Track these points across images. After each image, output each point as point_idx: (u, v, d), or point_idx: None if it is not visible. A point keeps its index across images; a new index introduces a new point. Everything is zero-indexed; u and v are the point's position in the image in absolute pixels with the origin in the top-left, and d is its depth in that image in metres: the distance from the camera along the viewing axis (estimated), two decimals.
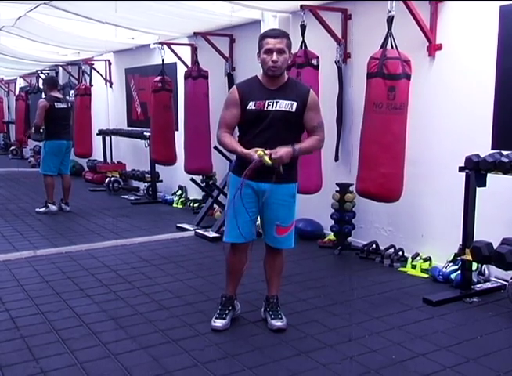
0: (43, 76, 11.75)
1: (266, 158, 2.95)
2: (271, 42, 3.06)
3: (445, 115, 4.34)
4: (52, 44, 8.30)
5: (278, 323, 3.28)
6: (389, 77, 4.01)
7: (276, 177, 3.07)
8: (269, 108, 3.10)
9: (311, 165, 4.83)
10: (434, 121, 4.41)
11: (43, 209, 6.98)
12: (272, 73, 3.10)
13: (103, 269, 4.59)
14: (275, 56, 3.05)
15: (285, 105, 3.11)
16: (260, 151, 2.96)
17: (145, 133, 7.96)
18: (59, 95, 7.08)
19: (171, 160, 7.14)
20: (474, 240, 3.75)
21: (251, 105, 3.11)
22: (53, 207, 6.98)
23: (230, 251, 3.34)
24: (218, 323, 3.27)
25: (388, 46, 4.09)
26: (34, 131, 7.04)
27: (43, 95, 7.65)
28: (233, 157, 6.40)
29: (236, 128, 3.28)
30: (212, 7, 5.64)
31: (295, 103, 3.13)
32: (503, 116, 3.91)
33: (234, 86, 3.27)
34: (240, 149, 3.09)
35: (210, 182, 6.86)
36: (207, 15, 5.84)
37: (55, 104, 6.85)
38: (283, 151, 3.00)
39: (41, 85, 11.99)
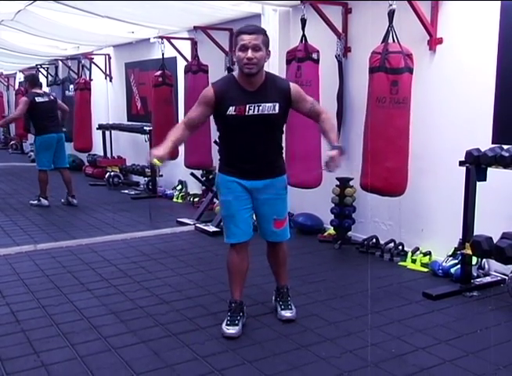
0: (43, 70, 11.75)
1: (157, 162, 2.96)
2: (246, 39, 2.90)
3: (445, 109, 4.33)
4: (52, 38, 8.27)
5: (287, 314, 3.33)
6: (392, 72, 4.00)
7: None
8: (251, 113, 2.98)
9: (311, 159, 4.83)
10: (434, 115, 4.40)
11: (35, 202, 7.09)
12: (248, 70, 2.93)
13: (103, 263, 4.60)
14: (250, 53, 2.89)
15: (267, 108, 3.00)
16: (156, 161, 2.95)
17: (145, 128, 7.95)
18: (39, 91, 7.10)
19: (173, 156, 7.11)
20: (474, 234, 3.75)
21: (231, 110, 2.98)
22: (45, 202, 7.06)
23: (232, 252, 3.24)
24: (232, 330, 3.11)
25: (390, 40, 4.08)
26: (6, 123, 7.14)
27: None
28: None
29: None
30: (213, 1, 5.62)
31: (277, 104, 3.02)
32: (504, 110, 3.90)
33: (210, 86, 3.10)
34: (165, 143, 3.03)
35: (210, 176, 6.86)
36: (207, 9, 5.82)
37: (36, 99, 6.87)
38: (337, 158, 3.00)
39: (40, 80, 11.99)
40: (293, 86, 3.14)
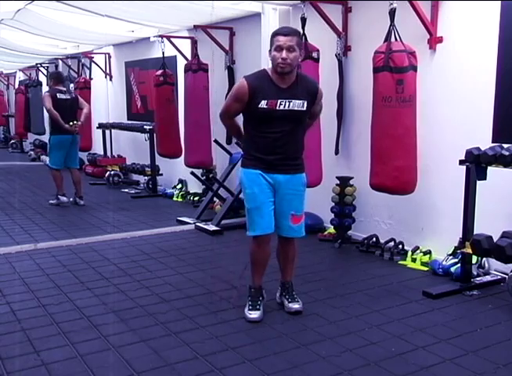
0: (42, 69, 11.75)
1: None
2: (281, 40, 3.10)
3: (445, 108, 4.33)
4: (52, 37, 8.27)
5: (295, 306, 3.43)
6: (396, 71, 4.01)
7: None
8: (281, 107, 3.15)
9: (311, 159, 4.82)
10: (434, 114, 4.40)
11: (55, 201, 7.07)
12: (281, 70, 3.12)
13: (104, 262, 4.60)
14: (284, 54, 3.07)
15: (298, 104, 3.19)
16: None
17: (145, 127, 7.95)
18: (62, 88, 7.06)
19: (177, 154, 7.14)
20: (474, 233, 3.76)
21: (263, 103, 3.13)
22: (64, 199, 7.04)
23: (255, 245, 3.35)
24: (254, 314, 3.31)
25: (392, 39, 4.08)
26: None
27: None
28: (233, 151, 6.42)
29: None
30: (213, 1, 5.62)
31: (305, 102, 3.22)
32: (504, 109, 3.90)
33: (244, 80, 3.21)
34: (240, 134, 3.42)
35: (211, 175, 6.86)
36: (207, 7, 5.81)
37: (57, 95, 6.85)
38: None
39: (40, 79, 11.99)
40: (320, 89, 3.36)
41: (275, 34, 3.16)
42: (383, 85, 4.09)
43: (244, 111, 3.26)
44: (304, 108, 3.21)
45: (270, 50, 3.17)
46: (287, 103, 3.16)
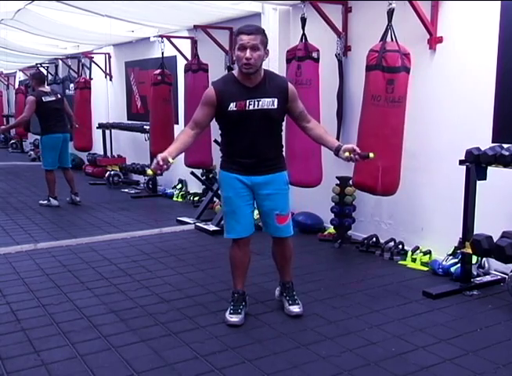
0: (42, 69, 11.73)
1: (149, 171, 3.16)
2: (244, 39, 3.00)
3: (445, 108, 4.33)
4: (52, 37, 8.27)
5: (296, 310, 3.40)
6: (388, 70, 4.00)
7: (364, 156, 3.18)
8: (251, 108, 3.09)
9: (311, 158, 4.83)
10: (434, 114, 4.40)
11: (45, 202, 7.07)
12: (246, 70, 3.04)
13: (104, 262, 4.60)
14: (248, 53, 2.99)
15: (267, 103, 3.11)
16: (149, 171, 3.15)
17: (145, 127, 7.96)
18: (46, 89, 7.02)
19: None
20: (474, 233, 3.75)
21: (232, 106, 3.08)
22: (54, 202, 7.02)
23: (234, 247, 3.34)
24: (235, 318, 3.25)
25: (388, 39, 4.08)
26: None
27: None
28: None
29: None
30: (213, 1, 5.62)
31: (276, 99, 3.13)
32: (504, 109, 3.90)
33: (211, 85, 3.20)
34: (166, 150, 3.08)
35: (211, 175, 6.86)
36: (207, 7, 5.82)
37: (43, 98, 6.79)
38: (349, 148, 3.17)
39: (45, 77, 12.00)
40: (290, 85, 3.25)
41: (238, 33, 3.05)
42: (373, 84, 4.08)
43: (217, 117, 3.21)
44: (275, 106, 3.12)
45: (233, 49, 3.08)
46: (256, 103, 3.08)
